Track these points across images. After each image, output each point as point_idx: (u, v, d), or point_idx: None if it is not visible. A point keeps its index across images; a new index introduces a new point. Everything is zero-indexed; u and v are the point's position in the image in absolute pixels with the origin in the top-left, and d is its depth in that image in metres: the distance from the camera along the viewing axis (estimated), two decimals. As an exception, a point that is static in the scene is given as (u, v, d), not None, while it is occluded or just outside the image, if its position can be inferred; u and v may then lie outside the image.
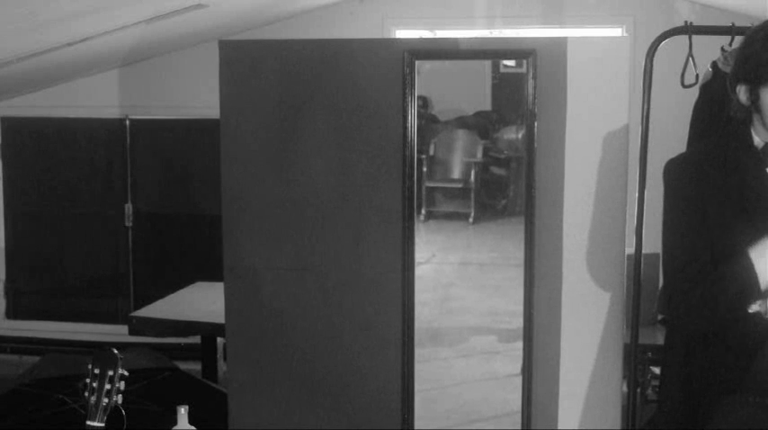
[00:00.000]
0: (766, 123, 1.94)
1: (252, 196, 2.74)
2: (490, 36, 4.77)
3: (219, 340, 4.08)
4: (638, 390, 2.78)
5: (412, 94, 2.65)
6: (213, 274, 3.47)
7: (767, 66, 1.88)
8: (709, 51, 2.66)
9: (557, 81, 2.65)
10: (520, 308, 2.73)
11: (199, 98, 4.12)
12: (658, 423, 2.14)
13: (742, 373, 1.94)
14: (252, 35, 4.80)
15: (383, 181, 2.70)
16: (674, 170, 2.05)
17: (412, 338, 2.74)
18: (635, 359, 2.77)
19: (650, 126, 2.70)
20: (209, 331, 3.88)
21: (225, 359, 3.40)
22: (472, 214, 4.62)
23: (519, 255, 2.72)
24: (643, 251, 2.74)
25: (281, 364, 2.78)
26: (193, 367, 4.20)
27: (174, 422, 2.37)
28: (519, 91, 2.69)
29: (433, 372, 3.16)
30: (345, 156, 2.71)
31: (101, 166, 5.34)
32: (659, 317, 3.45)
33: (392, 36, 4.74)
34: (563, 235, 2.70)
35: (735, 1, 4.09)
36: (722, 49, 2.62)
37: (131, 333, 3.91)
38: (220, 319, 2.83)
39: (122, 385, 2.02)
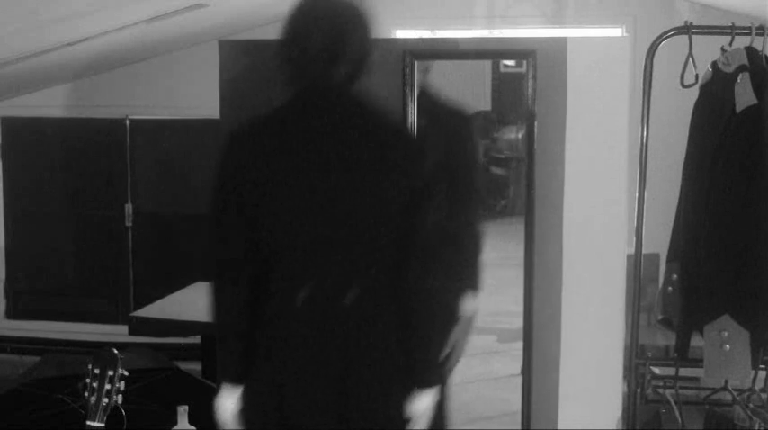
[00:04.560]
0: None
1: (252, 196, 2.73)
2: (490, 36, 4.76)
3: (219, 340, 4.07)
4: (638, 390, 2.77)
5: (412, 94, 2.65)
6: (213, 274, 3.46)
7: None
8: (709, 51, 2.66)
9: (557, 81, 2.65)
10: (520, 308, 2.73)
11: (199, 98, 4.11)
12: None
13: None
14: (252, 35, 4.79)
15: (383, 181, 2.69)
16: None
17: (412, 338, 2.74)
18: (635, 359, 2.76)
19: (650, 126, 2.70)
20: (210, 331, 3.87)
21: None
22: (472, 214, 4.62)
23: (519, 255, 2.72)
24: (643, 251, 2.74)
25: (281, 364, 2.77)
26: (193, 367, 4.19)
27: (174, 422, 2.37)
28: (519, 91, 2.69)
29: (433, 372, 3.16)
30: (345, 157, 2.70)
31: (101, 166, 5.33)
32: (659, 317, 3.45)
33: (392, 36, 4.74)
34: (563, 235, 2.70)
35: (735, 1, 4.08)
36: (722, 49, 2.62)
37: (131, 333, 3.90)
38: (220, 319, 2.82)
39: (122, 385, 2.02)
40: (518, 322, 2.75)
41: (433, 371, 1.90)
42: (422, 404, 1.88)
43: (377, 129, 1.85)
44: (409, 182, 1.80)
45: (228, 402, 1.93)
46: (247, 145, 1.83)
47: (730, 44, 2.60)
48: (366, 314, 1.81)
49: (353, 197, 1.78)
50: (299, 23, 1.82)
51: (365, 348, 1.81)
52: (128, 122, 5.20)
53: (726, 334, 2.52)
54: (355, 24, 1.83)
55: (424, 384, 1.88)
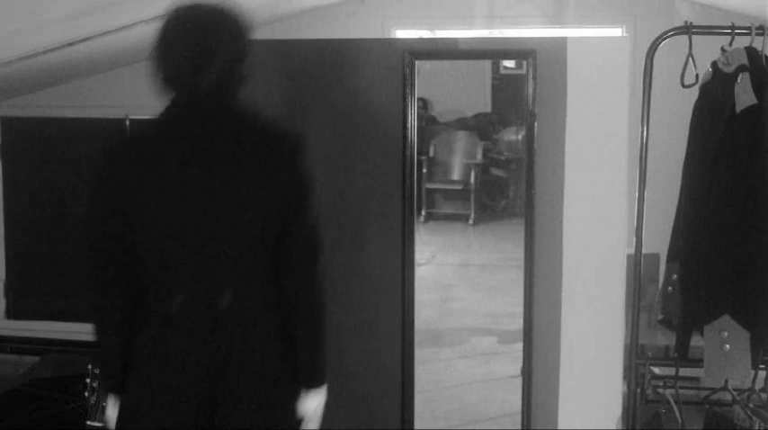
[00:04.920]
0: None
1: (252, 196, 2.73)
2: (490, 36, 4.76)
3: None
4: (638, 390, 2.78)
5: (412, 94, 2.65)
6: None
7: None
8: (710, 51, 2.66)
9: (557, 81, 2.65)
10: (520, 309, 2.73)
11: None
12: None
13: None
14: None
15: (383, 181, 2.70)
16: None
17: (412, 339, 2.74)
18: (635, 359, 2.76)
19: (650, 126, 2.70)
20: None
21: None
22: (472, 215, 4.63)
23: (519, 256, 2.72)
24: (643, 251, 2.74)
25: (281, 365, 2.77)
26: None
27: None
28: (519, 92, 2.69)
29: (433, 373, 3.17)
30: (345, 157, 2.70)
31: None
32: (659, 317, 3.45)
33: (392, 36, 4.74)
34: (563, 235, 2.70)
35: (735, 1, 4.08)
36: (722, 49, 2.62)
37: (131, 333, 3.89)
38: (220, 320, 2.82)
39: (122, 385, 2.02)
40: (518, 323, 2.75)
41: (319, 370, 1.92)
42: (311, 404, 1.92)
43: (248, 133, 1.84)
44: (284, 183, 1.81)
45: (113, 413, 1.87)
46: (120, 157, 1.81)
47: (730, 44, 2.60)
48: (242, 319, 1.80)
49: (226, 202, 1.77)
50: (166, 33, 1.81)
51: (241, 353, 1.80)
52: (128, 122, 5.20)
53: (726, 334, 2.52)
54: (222, 32, 1.82)
55: (311, 384, 1.90)
